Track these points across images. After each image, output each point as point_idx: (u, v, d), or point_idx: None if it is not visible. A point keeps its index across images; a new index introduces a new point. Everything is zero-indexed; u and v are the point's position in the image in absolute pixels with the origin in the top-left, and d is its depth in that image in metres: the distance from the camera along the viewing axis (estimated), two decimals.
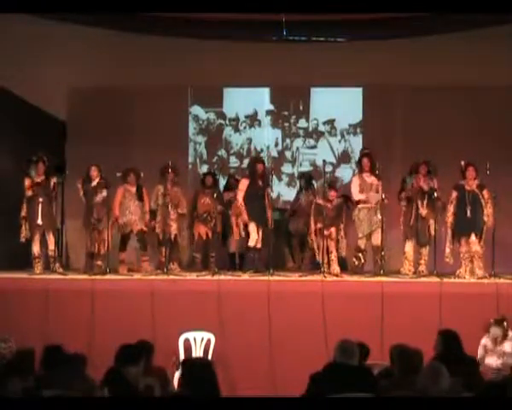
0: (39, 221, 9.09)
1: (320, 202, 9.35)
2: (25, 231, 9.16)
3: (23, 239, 9.20)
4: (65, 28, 10.29)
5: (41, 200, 9.09)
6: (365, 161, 9.35)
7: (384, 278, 8.77)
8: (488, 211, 8.88)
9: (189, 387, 4.50)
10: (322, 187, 9.77)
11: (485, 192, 8.92)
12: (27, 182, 9.13)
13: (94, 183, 9.37)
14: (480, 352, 6.93)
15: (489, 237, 8.90)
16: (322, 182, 9.58)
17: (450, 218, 8.98)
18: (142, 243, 9.61)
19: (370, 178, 9.30)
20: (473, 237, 8.87)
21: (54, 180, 9.25)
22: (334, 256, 9.24)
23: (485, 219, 8.86)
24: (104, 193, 9.26)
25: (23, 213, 9.16)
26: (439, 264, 8.91)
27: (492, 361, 6.86)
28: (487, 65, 10.79)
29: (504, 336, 6.92)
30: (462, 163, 9.00)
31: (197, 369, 4.72)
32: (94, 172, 9.37)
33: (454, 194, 9.00)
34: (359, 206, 9.30)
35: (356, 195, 9.32)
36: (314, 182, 10.57)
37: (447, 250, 8.96)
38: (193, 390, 4.39)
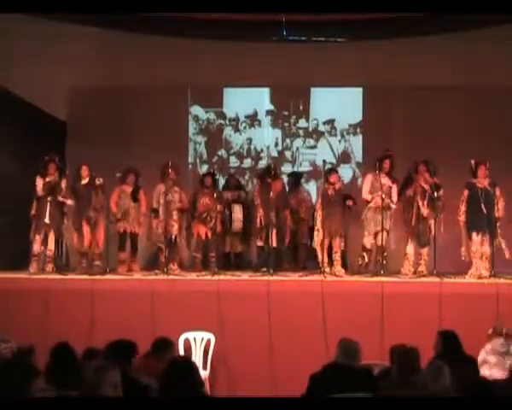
0: (47, 220, 9.14)
1: (327, 187, 9.22)
2: (35, 229, 9.18)
3: (33, 238, 9.23)
4: (65, 28, 10.30)
5: (49, 199, 9.15)
6: (387, 162, 9.31)
7: (384, 278, 8.76)
8: (500, 206, 8.84)
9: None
10: (322, 187, 9.75)
11: (496, 189, 8.88)
12: (39, 181, 9.17)
13: (84, 181, 9.41)
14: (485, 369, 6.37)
15: (506, 233, 8.86)
16: (323, 182, 9.55)
17: (462, 216, 8.95)
18: (132, 245, 9.64)
19: (385, 179, 9.25)
20: (485, 235, 8.84)
21: (63, 181, 9.29)
22: (338, 256, 9.20)
23: (497, 214, 8.81)
24: (100, 180, 9.26)
25: (33, 212, 9.21)
26: (440, 264, 8.90)
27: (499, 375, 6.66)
28: (487, 65, 10.79)
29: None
30: (472, 162, 8.99)
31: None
32: (85, 171, 9.42)
33: (466, 192, 8.97)
34: (368, 205, 9.26)
35: (364, 193, 9.32)
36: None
37: (462, 249, 8.96)
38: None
